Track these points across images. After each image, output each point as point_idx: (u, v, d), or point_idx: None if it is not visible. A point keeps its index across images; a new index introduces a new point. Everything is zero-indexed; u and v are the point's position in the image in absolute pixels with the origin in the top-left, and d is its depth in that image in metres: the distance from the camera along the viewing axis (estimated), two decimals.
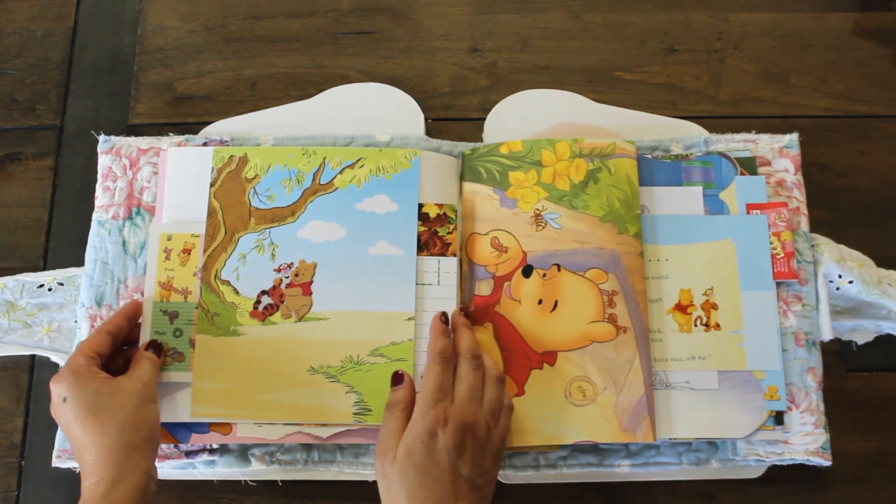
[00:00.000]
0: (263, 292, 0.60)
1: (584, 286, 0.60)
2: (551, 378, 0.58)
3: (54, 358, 0.62)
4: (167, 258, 0.61)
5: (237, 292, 0.60)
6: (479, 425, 0.52)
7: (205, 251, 0.61)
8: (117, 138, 0.65)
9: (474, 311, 0.60)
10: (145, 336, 0.59)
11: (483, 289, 0.60)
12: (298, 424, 0.58)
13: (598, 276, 0.60)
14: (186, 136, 0.65)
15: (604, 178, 0.62)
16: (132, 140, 0.65)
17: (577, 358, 0.58)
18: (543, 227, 0.61)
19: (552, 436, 0.57)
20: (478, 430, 0.52)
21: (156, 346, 0.57)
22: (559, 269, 0.60)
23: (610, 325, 0.59)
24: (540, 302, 0.60)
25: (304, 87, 0.70)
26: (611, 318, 0.59)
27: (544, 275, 0.60)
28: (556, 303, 0.59)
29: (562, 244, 0.60)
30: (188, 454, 0.58)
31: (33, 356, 0.64)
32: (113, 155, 0.64)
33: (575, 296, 0.60)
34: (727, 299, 0.60)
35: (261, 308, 0.60)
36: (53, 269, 0.65)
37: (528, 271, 0.60)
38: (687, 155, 0.64)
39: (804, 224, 0.63)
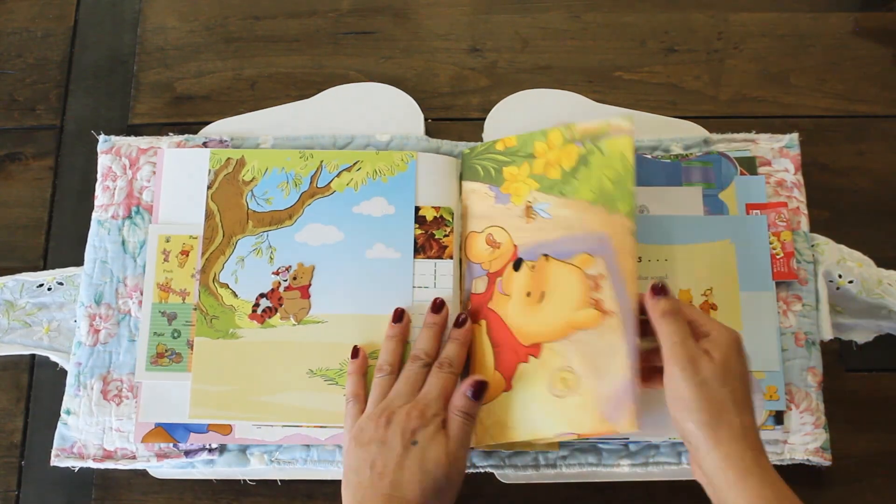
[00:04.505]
0: (262, 295, 0.60)
1: (568, 273, 0.57)
2: (536, 370, 0.56)
3: (54, 357, 0.62)
4: (165, 259, 0.61)
5: (236, 295, 0.60)
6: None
7: (203, 254, 0.61)
8: (117, 138, 0.65)
9: (471, 311, 0.60)
10: (143, 337, 0.59)
11: (479, 286, 0.60)
12: (297, 426, 0.58)
13: (584, 261, 0.57)
14: (186, 135, 0.65)
15: (595, 160, 0.58)
16: (132, 140, 0.65)
17: (561, 348, 0.56)
18: (534, 219, 0.60)
19: (536, 430, 0.55)
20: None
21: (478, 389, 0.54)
22: (547, 259, 0.59)
23: (595, 311, 0.56)
24: (528, 294, 0.58)
25: (304, 87, 0.70)
26: (596, 302, 0.56)
27: (533, 266, 0.59)
28: (542, 293, 0.58)
29: (551, 233, 0.59)
30: (187, 453, 0.58)
31: (33, 356, 0.64)
32: (113, 155, 0.64)
33: (560, 284, 0.57)
34: (726, 300, 0.60)
35: (259, 311, 0.60)
36: (53, 268, 0.65)
37: (517, 265, 0.59)
38: (687, 155, 0.64)
39: (804, 224, 0.63)
